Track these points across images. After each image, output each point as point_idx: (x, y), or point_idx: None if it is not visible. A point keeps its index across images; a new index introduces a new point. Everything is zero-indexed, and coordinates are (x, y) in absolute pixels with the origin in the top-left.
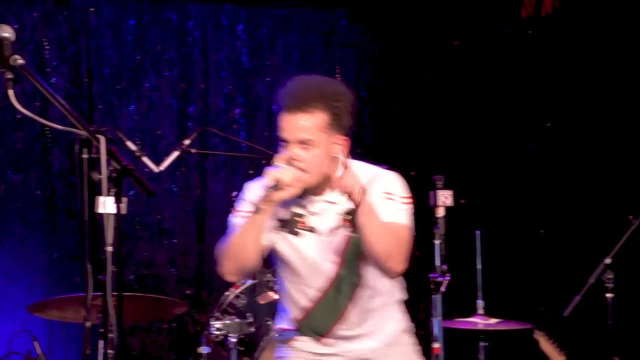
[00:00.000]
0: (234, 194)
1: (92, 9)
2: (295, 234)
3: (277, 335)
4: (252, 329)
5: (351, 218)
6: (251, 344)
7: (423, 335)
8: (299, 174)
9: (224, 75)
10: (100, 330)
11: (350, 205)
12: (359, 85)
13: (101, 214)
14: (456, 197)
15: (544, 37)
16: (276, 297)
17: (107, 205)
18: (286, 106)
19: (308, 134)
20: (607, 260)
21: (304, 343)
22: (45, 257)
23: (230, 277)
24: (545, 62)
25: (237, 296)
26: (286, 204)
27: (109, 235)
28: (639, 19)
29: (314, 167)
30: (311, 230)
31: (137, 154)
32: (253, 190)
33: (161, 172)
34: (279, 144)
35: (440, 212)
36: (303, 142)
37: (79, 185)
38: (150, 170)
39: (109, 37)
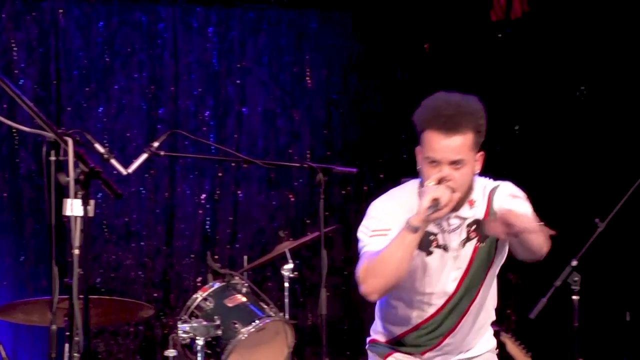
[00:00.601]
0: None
1: (61, 10)
2: (429, 253)
3: (370, 346)
4: (219, 332)
5: (477, 228)
6: (218, 347)
7: None
8: (452, 194)
9: (194, 78)
10: (66, 333)
11: (476, 216)
12: (330, 88)
13: (68, 217)
14: None
15: (513, 41)
16: (244, 299)
17: (74, 207)
18: (439, 127)
19: (460, 155)
20: (574, 263)
21: (404, 358)
22: (11, 260)
23: (374, 297)
24: (515, 65)
25: (204, 299)
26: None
27: (76, 238)
28: (606, 22)
29: (464, 185)
30: (444, 248)
31: (106, 156)
32: (387, 209)
33: (130, 174)
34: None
35: None
36: (455, 163)
37: (46, 187)
38: (119, 173)
39: (78, 38)
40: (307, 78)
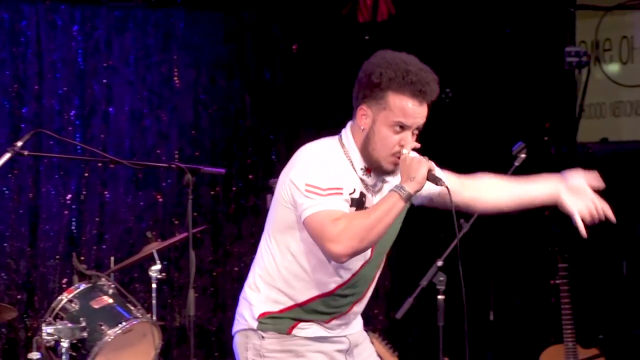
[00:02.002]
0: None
1: None
2: None
3: (263, 322)
4: (85, 334)
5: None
6: (84, 349)
7: None
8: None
9: (58, 76)
10: None
11: (395, 182)
12: (198, 88)
13: None
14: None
15: (380, 43)
16: (110, 301)
17: None
18: (415, 93)
19: (424, 121)
20: (439, 263)
21: (309, 329)
22: None
23: (346, 259)
24: None
25: (70, 301)
26: (358, 182)
27: None
28: (471, 25)
29: None
30: None
31: None
32: (330, 169)
33: None
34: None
35: None
36: (418, 129)
37: None
38: None
39: None
40: (175, 78)
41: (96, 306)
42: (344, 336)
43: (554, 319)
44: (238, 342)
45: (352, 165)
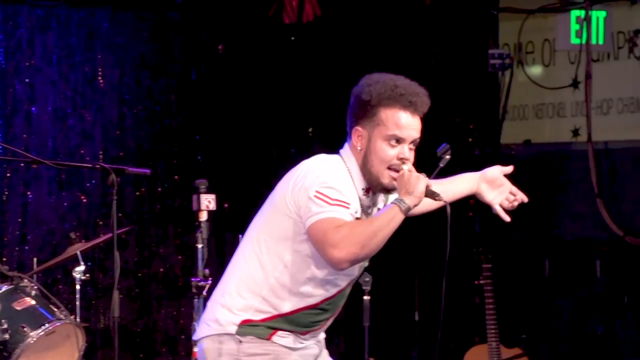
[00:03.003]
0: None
1: None
2: None
3: (243, 328)
4: (7, 336)
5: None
6: (6, 351)
7: (184, 340)
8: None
9: None
10: None
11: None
12: (122, 88)
13: None
14: (220, 201)
15: (305, 44)
16: (33, 302)
17: None
18: (406, 105)
19: (419, 134)
20: (365, 264)
21: (287, 339)
22: None
23: (346, 265)
24: (307, 68)
25: None
26: (359, 203)
27: None
28: (398, 25)
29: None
30: None
31: None
32: (341, 184)
33: None
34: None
35: (203, 216)
36: (413, 142)
37: None
38: None
39: None
40: (99, 78)
41: (18, 308)
42: (312, 345)
43: (478, 319)
44: (207, 347)
45: (355, 185)
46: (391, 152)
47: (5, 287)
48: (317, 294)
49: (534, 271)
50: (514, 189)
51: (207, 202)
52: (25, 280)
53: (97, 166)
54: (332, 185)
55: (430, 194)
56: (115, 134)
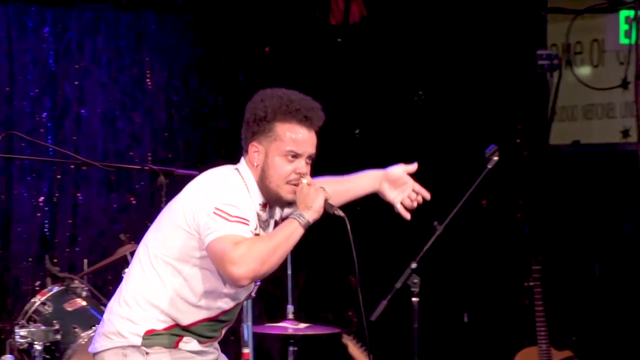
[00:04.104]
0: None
1: None
2: None
3: (148, 339)
4: (59, 337)
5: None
6: (57, 351)
7: (233, 341)
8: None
9: (30, 78)
10: None
11: (277, 216)
12: (170, 90)
13: None
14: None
15: (352, 45)
16: (84, 303)
17: None
18: (301, 120)
19: (315, 149)
20: (413, 265)
21: (191, 344)
22: None
23: (246, 282)
24: (355, 69)
25: (43, 303)
26: (256, 218)
27: None
28: (443, 27)
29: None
30: None
31: None
32: (240, 200)
33: None
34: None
35: None
36: (310, 157)
37: None
38: None
39: None
40: (147, 80)
41: (70, 309)
42: (211, 350)
43: (527, 321)
44: None
45: (252, 200)
46: (288, 168)
47: (56, 289)
48: (216, 307)
49: (584, 272)
50: (417, 187)
51: None
52: (76, 282)
53: (146, 168)
54: (231, 202)
55: (328, 207)
56: (164, 136)
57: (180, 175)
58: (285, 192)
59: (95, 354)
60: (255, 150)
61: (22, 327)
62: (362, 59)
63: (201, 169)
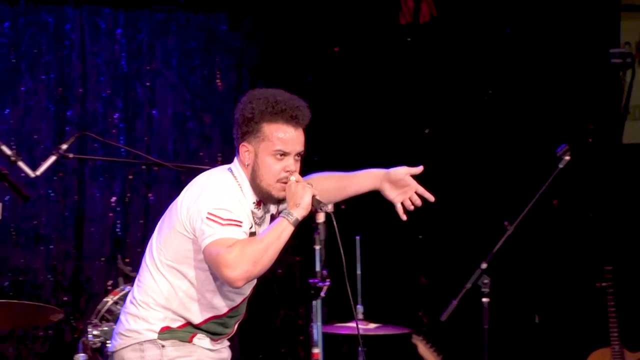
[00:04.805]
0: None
1: None
2: None
3: (164, 335)
4: None
5: (271, 221)
6: None
7: (303, 341)
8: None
9: (102, 80)
10: None
11: (272, 211)
12: (240, 91)
13: None
14: (336, 203)
15: (422, 45)
16: None
17: None
18: (287, 119)
19: (303, 147)
20: (483, 265)
21: (205, 340)
22: None
23: (242, 283)
24: (423, 69)
25: (115, 303)
26: (248, 212)
27: None
28: (512, 26)
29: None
30: None
31: (13, 158)
32: (231, 202)
33: (38, 177)
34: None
35: (321, 218)
36: (298, 155)
37: None
38: (27, 175)
39: None
40: (217, 81)
41: None
42: (223, 347)
43: (600, 322)
44: (128, 357)
45: (246, 199)
46: (277, 166)
47: (128, 288)
48: (224, 305)
49: None
50: (420, 190)
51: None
52: None
53: None
54: (223, 205)
55: (316, 203)
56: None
57: None
58: (276, 191)
59: (113, 353)
60: (246, 150)
61: (95, 326)
62: (431, 58)
63: None
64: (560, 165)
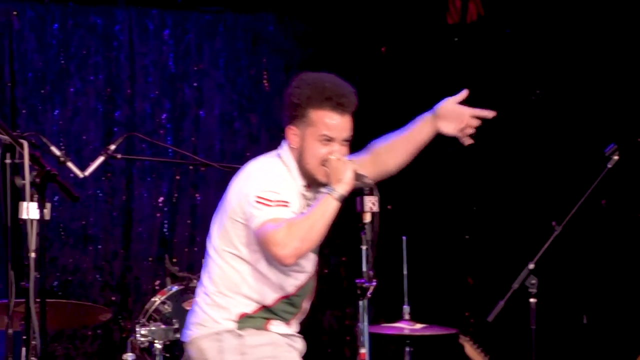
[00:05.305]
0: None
1: (15, 12)
2: None
3: (242, 322)
4: (178, 335)
5: None
6: (177, 350)
7: (349, 341)
8: None
9: (150, 80)
10: (23, 337)
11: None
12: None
13: (24, 220)
14: (383, 203)
15: (469, 44)
16: None
17: (30, 210)
18: (334, 106)
19: (350, 132)
20: (531, 266)
21: (280, 327)
22: None
23: (292, 260)
24: (471, 68)
25: (163, 302)
26: (301, 198)
27: (32, 241)
28: (560, 25)
29: None
30: None
31: (62, 159)
32: (278, 184)
33: (86, 177)
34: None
35: (367, 218)
36: (345, 140)
37: (2, 190)
38: (75, 176)
39: (32, 40)
40: (264, 81)
41: (189, 308)
42: (297, 336)
43: None
44: (205, 347)
45: (295, 182)
46: (323, 150)
47: (176, 288)
48: (289, 284)
49: None
50: (476, 111)
51: (371, 203)
52: (195, 281)
53: None
54: (269, 188)
55: (358, 178)
56: (280, 136)
57: None
58: (320, 174)
59: (189, 342)
60: (293, 133)
61: (143, 325)
62: (479, 58)
63: None
64: (609, 165)
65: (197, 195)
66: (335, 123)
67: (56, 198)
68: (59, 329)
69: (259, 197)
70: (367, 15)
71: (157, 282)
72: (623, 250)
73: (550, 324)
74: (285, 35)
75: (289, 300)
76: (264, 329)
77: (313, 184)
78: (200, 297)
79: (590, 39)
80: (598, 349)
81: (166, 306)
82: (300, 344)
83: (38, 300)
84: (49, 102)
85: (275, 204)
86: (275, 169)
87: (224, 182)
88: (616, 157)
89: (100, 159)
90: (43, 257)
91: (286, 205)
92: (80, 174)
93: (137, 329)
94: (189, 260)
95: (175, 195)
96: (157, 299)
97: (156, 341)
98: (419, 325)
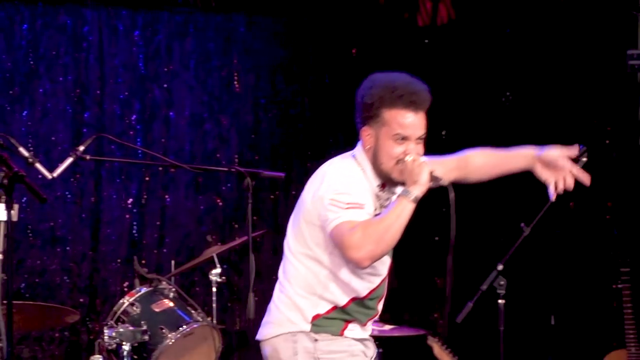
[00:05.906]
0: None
1: None
2: None
3: (317, 325)
4: (146, 337)
5: None
6: (145, 352)
7: None
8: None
9: (120, 81)
10: None
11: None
12: (258, 92)
13: None
14: None
15: (439, 46)
16: (171, 304)
17: None
18: (407, 104)
19: (424, 130)
20: (499, 267)
21: (356, 331)
22: None
23: (368, 263)
24: (441, 71)
25: (131, 304)
26: (375, 199)
27: None
28: (530, 28)
29: None
30: None
31: (30, 160)
32: (353, 186)
33: (55, 178)
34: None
35: None
36: (419, 138)
37: None
38: (44, 177)
39: (1, 41)
40: (235, 82)
41: (157, 310)
42: (370, 340)
43: (616, 324)
44: (280, 346)
45: (370, 183)
46: (398, 150)
47: (144, 290)
48: (363, 287)
49: None
50: (576, 171)
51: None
52: (164, 283)
53: (233, 170)
54: (343, 190)
55: (433, 179)
56: (251, 138)
57: (266, 177)
58: (395, 173)
59: (264, 341)
60: (368, 134)
61: (111, 327)
62: (449, 60)
63: (287, 171)
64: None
65: (166, 196)
66: (409, 121)
67: (24, 199)
68: (26, 331)
69: (333, 199)
70: (338, 16)
71: (126, 284)
72: (590, 251)
73: (519, 325)
74: (256, 37)
75: (362, 302)
76: (340, 334)
77: (388, 183)
78: (277, 297)
79: (560, 41)
80: (566, 350)
81: (134, 308)
82: (372, 350)
83: (5, 302)
84: (18, 103)
85: (348, 206)
86: (350, 171)
87: (194, 183)
88: (585, 159)
89: (69, 160)
90: (10, 258)
91: (361, 207)
92: (48, 175)
93: (105, 331)
94: (158, 261)
95: (145, 196)
96: (125, 301)
97: (124, 343)
98: (388, 327)
